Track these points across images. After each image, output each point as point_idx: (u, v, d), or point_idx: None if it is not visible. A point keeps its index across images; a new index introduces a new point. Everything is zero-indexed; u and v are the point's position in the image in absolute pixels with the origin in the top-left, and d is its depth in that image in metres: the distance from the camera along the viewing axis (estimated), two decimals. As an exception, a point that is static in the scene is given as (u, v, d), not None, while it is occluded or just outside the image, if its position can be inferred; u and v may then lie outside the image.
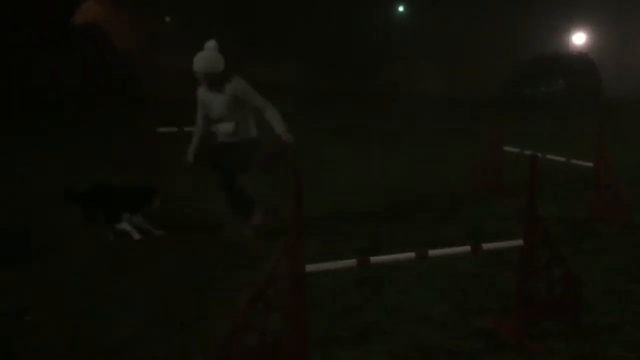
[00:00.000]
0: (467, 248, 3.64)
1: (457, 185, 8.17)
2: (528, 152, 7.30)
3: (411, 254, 3.51)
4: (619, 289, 4.66)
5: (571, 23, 30.67)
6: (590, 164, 6.41)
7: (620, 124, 15.96)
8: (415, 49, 29.96)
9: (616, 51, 29.31)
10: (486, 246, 3.70)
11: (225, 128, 5.68)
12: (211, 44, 5.63)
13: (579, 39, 31.60)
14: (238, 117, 5.66)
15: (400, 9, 32.51)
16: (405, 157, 10.43)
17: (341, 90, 25.18)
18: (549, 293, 3.78)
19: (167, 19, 38.09)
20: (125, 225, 5.84)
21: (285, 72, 28.81)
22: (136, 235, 5.80)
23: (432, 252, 3.55)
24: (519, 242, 3.72)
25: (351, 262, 3.36)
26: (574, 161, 6.73)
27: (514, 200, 7.09)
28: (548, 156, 7.06)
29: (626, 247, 5.64)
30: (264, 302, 3.14)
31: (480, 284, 4.73)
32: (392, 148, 11.57)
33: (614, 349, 3.68)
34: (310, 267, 3.23)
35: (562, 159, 6.89)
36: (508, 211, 6.57)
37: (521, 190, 3.77)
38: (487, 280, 4.77)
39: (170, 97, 19.11)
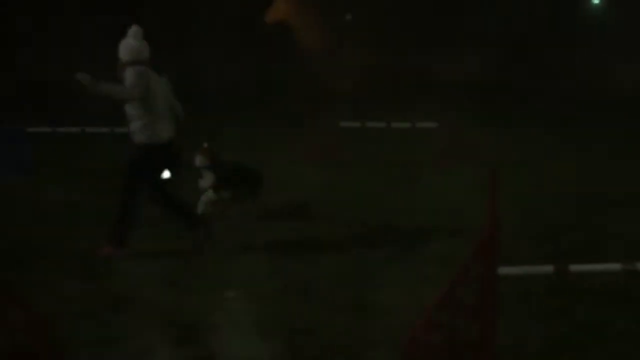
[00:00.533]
0: (550, 268, 3.28)
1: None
2: None
3: (616, 265, 3.24)
4: None
5: None
6: None
7: None
8: (609, 43, 27.51)
9: None
10: (574, 268, 3.32)
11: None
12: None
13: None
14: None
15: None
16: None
17: (526, 86, 23.92)
18: None
19: (348, 16, 39.00)
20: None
21: (467, 66, 28.12)
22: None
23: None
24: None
25: (547, 268, 3.19)
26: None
27: None
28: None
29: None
30: (454, 302, 3.11)
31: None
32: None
33: None
34: (503, 270, 3.13)
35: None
36: None
37: None
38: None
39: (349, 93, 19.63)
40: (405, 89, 21.49)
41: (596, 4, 30.29)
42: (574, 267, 3.21)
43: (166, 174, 5.60)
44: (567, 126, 13.22)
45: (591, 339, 3.73)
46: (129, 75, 5.17)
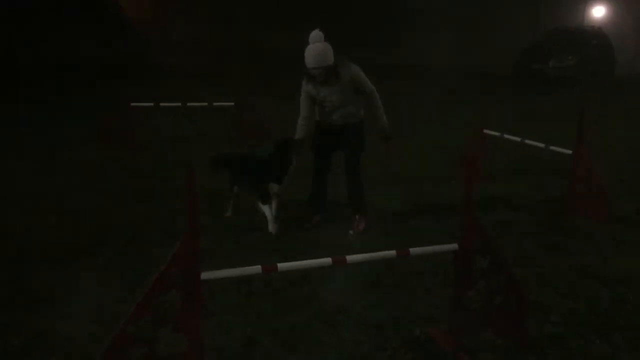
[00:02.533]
0: (393, 253, 3.28)
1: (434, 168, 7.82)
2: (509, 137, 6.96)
3: (327, 260, 3.16)
4: (583, 294, 4.28)
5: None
6: (570, 151, 5.96)
7: (630, 103, 15.36)
8: (427, 17, 29.13)
9: (637, 27, 28.20)
10: (414, 251, 3.33)
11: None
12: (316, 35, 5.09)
13: (598, 12, 30.50)
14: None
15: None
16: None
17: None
18: (488, 303, 3.43)
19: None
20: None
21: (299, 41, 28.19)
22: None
23: (351, 258, 3.19)
24: (453, 246, 3.36)
25: (254, 269, 3.01)
26: (553, 147, 6.28)
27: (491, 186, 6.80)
28: (527, 141, 6.65)
29: (598, 245, 5.23)
30: (152, 312, 2.83)
31: (427, 286, 4.37)
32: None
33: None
34: (206, 275, 2.90)
35: (542, 145, 6.44)
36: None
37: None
38: (440, 282, 4.38)
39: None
40: (233, 64, 21.03)
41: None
42: (282, 266, 3.04)
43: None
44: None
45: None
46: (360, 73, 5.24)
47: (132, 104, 8.79)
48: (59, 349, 3.41)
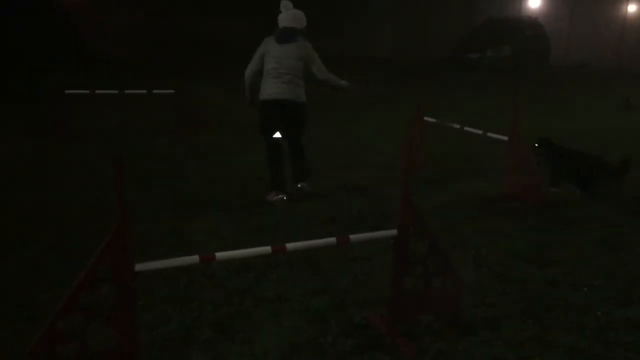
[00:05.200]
0: (333, 240, 3.27)
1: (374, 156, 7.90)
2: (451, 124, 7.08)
3: (267, 248, 3.12)
4: (516, 276, 4.40)
5: (527, -15, 30.45)
6: (506, 138, 6.12)
7: (562, 93, 15.91)
8: (364, 9, 29.28)
9: (570, 18, 29.18)
10: (354, 237, 3.34)
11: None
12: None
13: (533, 3, 31.39)
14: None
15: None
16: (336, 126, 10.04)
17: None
18: (425, 287, 3.48)
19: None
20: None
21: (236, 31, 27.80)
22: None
23: (291, 246, 3.17)
24: (392, 232, 3.38)
25: (192, 258, 2.94)
26: (490, 134, 6.43)
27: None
28: (466, 128, 6.78)
29: (532, 229, 5.40)
30: (82, 307, 2.73)
31: (366, 271, 4.40)
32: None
33: (488, 349, 3.41)
34: (140, 267, 2.82)
35: (479, 132, 6.59)
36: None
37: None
38: (379, 268, 4.43)
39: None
40: (171, 53, 20.64)
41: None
42: (219, 256, 2.98)
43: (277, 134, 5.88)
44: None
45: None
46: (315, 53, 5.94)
47: (67, 91, 8.47)
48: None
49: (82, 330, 2.75)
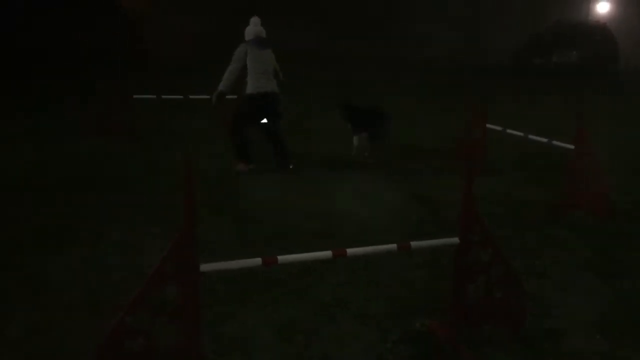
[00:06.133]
0: (393, 246, 3.26)
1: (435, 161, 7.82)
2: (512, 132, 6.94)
3: (327, 253, 3.15)
4: (582, 288, 4.27)
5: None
6: (572, 146, 5.93)
7: (633, 101, 15.30)
8: (429, 10, 29.03)
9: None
10: (415, 244, 3.32)
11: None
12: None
13: (602, 7, 30.39)
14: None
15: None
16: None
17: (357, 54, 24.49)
18: (488, 296, 3.42)
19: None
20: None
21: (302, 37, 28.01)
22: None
23: (351, 251, 3.18)
24: (454, 239, 3.34)
25: (254, 261, 3.00)
26: (555, 143, 6.26)
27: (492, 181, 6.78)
28: (530, 136, 6.63)
29: (598, 239, 5.21)
30: (151, 304, 2.82)
31: (427, 279, 4.36)
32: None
33: (551, 362, 3.32)
34: (205, 267, 2.89)
35: (544, 140, 6.42)
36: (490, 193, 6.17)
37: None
38: (439, 275, 4.37)
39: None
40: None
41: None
42: (282, 259, 3.03)
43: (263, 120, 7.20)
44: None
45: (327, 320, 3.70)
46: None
47: (135, 96, 8.78)
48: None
49: (149, 326, 2.84)
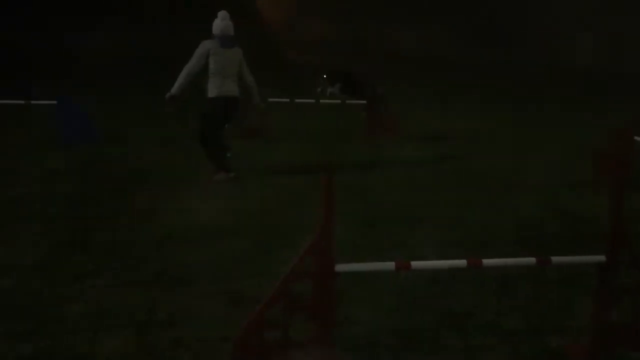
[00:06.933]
0: (532, 260, 3.15)
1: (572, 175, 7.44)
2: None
3: (462, 262, 3.10)
4: None
5: None
6: None
7: None
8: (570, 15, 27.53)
9: None
10: (557, 259, 3.18)
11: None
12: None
13: None
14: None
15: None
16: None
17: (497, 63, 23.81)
18: (634, 320, 3.20)
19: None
20: None
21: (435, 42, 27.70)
22: None
23: (488, 262, 3.11)
24: (599, 257, 3.16)
25: (388, 265, 3.03)
26: None
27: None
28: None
29: None
30: (288, 299, 2.94)
31: (566, 296, 4.14)
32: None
33: None
34: (340, 267, 2.97)
35: None
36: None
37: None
38: (579, 294, 4.14)
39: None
40: (360, 62, 21.28)
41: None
42: (415, 264, 3.03)
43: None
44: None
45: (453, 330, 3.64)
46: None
47: (270, 99, 9.15)
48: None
49: (286, 321, 2.96)
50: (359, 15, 29.19)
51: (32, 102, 8.85)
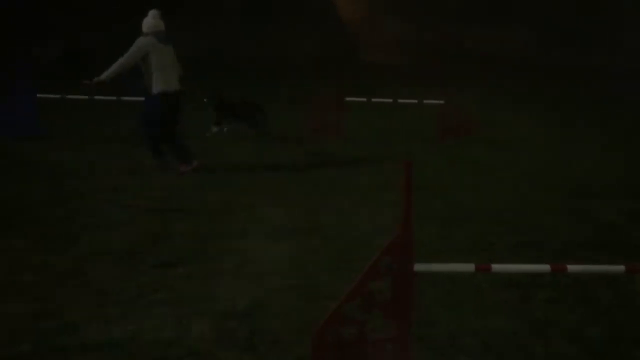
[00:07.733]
0: (621, 268, 3.03)
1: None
2: None
3: (545, 266, 3.02)
4: None
5: None
6: None
7: None
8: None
9: None
10: (646, 268, 3.05)
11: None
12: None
13: None
14: None
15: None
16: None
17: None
18: None
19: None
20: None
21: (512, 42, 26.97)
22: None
23: (574, 268, 3.02)
24: (694, 268, 3.01)
25: (467, 266, 2.99)
26: None
27: None
28: None
29: None
30: (366, 297, 2.96)
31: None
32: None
33: None
34: (419, 267, 2.96)
35: None
36: None
37: None
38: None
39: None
40: (439, 63, 21.07)
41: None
42: (496, 267, 2.98)
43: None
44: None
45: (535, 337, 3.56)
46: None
47: (347, 98, 9.21)
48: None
49: (363, 318, 2.99)
50: (438, 15, 28.73)
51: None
